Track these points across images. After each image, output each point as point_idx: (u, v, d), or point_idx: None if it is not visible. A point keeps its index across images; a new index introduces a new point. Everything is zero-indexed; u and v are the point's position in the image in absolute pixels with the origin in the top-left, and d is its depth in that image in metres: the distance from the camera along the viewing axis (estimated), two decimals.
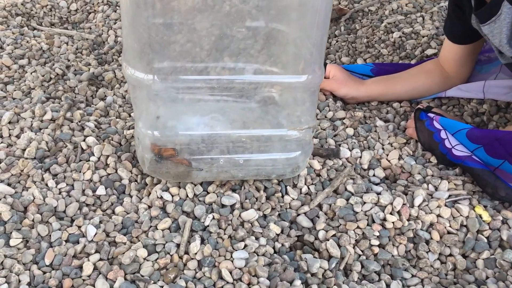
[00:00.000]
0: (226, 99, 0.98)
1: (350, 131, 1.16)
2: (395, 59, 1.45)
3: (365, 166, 1.07)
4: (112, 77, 1.34)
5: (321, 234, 0.92)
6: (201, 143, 0.94)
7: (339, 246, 0.90)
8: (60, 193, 0.96)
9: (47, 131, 1.09)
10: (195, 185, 0.98)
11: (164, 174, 0.95)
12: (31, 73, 1.33)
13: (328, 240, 0.90)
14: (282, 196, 0.99)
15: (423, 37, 1.49)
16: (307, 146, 0.98)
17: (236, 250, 0.86)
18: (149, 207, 0.95)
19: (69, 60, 1.42)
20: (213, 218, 0.91)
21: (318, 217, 0.96)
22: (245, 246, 0.88)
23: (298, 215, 0.97)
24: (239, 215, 0.93)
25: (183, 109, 0.99)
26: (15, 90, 1.29)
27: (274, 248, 0.91)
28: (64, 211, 0.93)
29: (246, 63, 0.91)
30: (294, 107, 0.95)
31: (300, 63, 0.89)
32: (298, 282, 0.81)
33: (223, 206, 0.95)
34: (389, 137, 1.14)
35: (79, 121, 1.14)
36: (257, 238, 0.90)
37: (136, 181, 1.02)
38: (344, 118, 1.21)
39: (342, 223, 0.93)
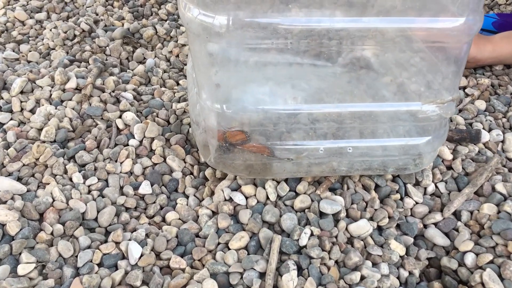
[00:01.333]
0: (311, 63, 0.70)
1: (481, 104, 0.84)
2: None
3: None
4: (152, 34, 1.04)
5: (469, 259, 0.62)
6: (284, 122, 0.65)
7: (501, 278, 0.60)
8: (89, 192, 0.68)
9: (71, 104, 0.81)
10: (278, 182, 0.69)
11: (235, 167, 0.66)
12: (51, 30, 1.04)
13: (483, 269, 0.60)
14: (401, 199, 0.69)
15: None
16: (443, 128, 0.67)
17: (351, 286, 0.57)
18: (214, 213, 0.67)
19: (97, 14, 1.12)
20: (312, 234, 0.62)
21: (458, 231, 0.66)
22: (362, 278, 0.59)
23: (426, 226, 0.67)
24: (346, 228, 0.64)
25: (250, 75, 0.70)
26: (30, 51, 1.01)
27: (399, 278, 0.62)
28: (96, 219, 0.65)
29: None
30: (435, 68, 0.63)
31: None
32: None
33: (322, 214, 0.65)
34: None
35: (113, 91, 0.85)
36: (375, 264, 0.61)
37: (191, 174, 0.74)
38: (466, 87, 0.89)
39: (499, 243, 0.63)
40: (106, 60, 0.97)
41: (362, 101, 0.68)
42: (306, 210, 0.65)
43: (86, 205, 0.65)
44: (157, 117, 0.80)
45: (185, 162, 0.75)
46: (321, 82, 0.72)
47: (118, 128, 0.77)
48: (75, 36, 1.02)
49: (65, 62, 0.94)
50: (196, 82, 0.63)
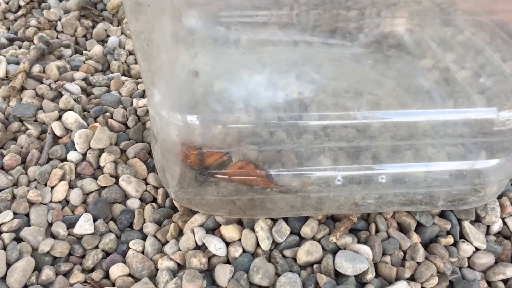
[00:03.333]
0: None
1: None
2: None
3: None
4: (119, 4, 0.81)
5: None
6: (283, 133, 0.43)
7: None
8: None
9: None
10: (274, 221, 0.47)
11: (209, 205, 0.44)
12: None
13: None
14: (455, 243, 0.48)
15: None
16: None
17: None
18: (180, 266, 0.46)
19: None
20: None
21: None
22: None
23: (491, 285, 0.46)
24: None
25: (238, 59, 0.49)
26: None
27: None
28: (4, 278, 0.44)
29: None
30: None
31: None
32: None
33: (338, 275, 0.44)
34: None
35: (56, 81, 0.63)
36: None
37: (154, 201, 0.52)
38: None
39: None
40: (57, 38, 0.75)
41: (397, 100, 0.46)
42: (315, 267, 0.44)
43: None
44: (111, 118, 0.58)
45: (146, 184, 0.53)
46: (336, 69, 0.50)
47: (54, 134, 0.56)
48: (19, 7, 0.80)
49: (3, 42, 0.72)
50: (142, 76, 0.41)
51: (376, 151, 0.42)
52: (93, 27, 0.78)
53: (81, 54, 0.73)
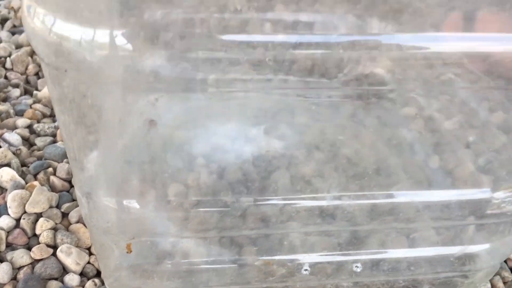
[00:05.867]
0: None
1: None
2: None
3: None
4: None
5: None
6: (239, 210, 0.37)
7: None
8: None
9: None
10: None
11: None
12: None
13: None
14: None
15: None
16: None
17: None
18: None
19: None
20: None
21: None
22: None
23: None
24: None
25: (203, 106, 0.43)
26: None
27: None
28: None
29: None
30: None
31: None
32: None
33: None
34: None
35: None
36: None
37: (98, 275, 0.45)
38: None
39: None
40: (5, 77, 0.68)
41: (379, 175, 0.40)
42: None
43: None
44: (54, 175, 0.51)
45: (90, 254, 0.46)
46: (309, 121, 0.44)
47: None
48: None
49: None
50: (64, 140, 0.34)
51: (349, 235, 0.36)
52: None
53: (31, 95, 0.66)
